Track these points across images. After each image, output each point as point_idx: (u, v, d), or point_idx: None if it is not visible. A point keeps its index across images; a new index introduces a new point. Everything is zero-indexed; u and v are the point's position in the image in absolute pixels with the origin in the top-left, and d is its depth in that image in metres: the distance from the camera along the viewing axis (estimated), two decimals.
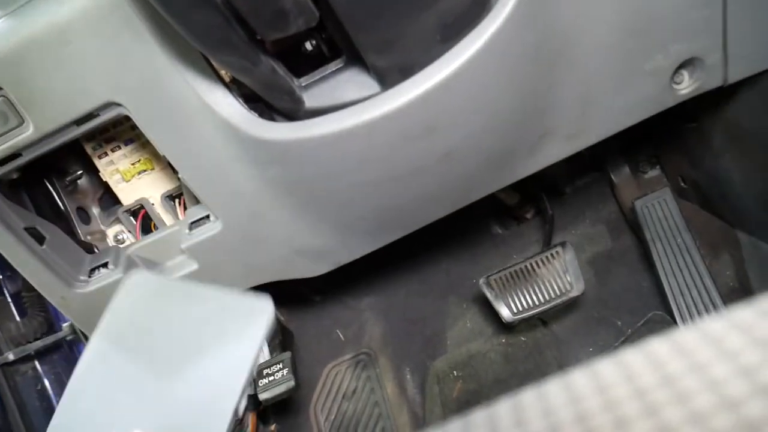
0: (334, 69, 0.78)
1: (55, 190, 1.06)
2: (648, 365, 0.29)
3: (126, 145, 1.03)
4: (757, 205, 1.09)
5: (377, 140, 0.77)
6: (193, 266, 0.95)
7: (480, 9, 0.73)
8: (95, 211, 1.12)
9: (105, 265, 0.96)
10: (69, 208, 1.07)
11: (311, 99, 0.79)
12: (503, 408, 0.31)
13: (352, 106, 0.75)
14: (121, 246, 1.03)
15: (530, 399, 0.31)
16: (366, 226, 0.93)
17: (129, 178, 1.05)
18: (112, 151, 1.03)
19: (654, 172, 1.43)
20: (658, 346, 0.31)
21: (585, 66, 0.84)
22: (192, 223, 0.93)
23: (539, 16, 0.76)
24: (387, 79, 0.77)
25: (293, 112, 0.80)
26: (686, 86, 0.90)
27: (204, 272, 0.96)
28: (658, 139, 1.34)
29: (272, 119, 0.81)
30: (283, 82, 0.74)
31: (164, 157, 0.87)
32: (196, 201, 0.94)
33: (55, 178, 1.06)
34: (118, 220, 1.10)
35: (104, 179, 1.05)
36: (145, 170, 1.05)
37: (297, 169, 0.81)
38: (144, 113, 0.80)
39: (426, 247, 1.49)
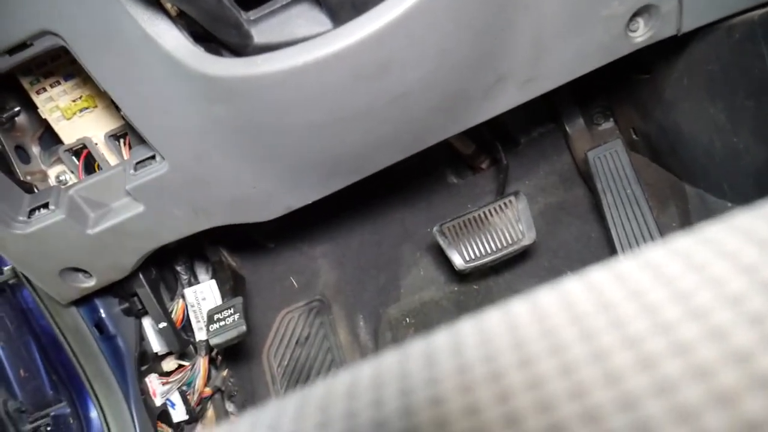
0: (284, 3, 0.75)
1: None
2: (586, 292, 0.29)
3: (66, 80, 0.98)
4: (704, 158, 1.11)
5: (328, 79, 0.75)
6: (139, 208, 0.92)
7: None
8: (35, 150, 1.07)
9: (46, 205, 0.92)
10: (6, 147, 1.02)
11: (260, 34, 0.76)
12: (441, 337, 0.31)
13: (302, 43, 0.73)
14: (63, 186, 0.99)
15: (468, 328, 0.31)
16: (316, 169, 0.92)
17: (70, 116, 1.00)
18: (51, 86, 0.98)
19: (608, 125, 1.44)
20: (596, 274, 0.31)
21: (539, 8, 0.83)
22: (137, 163, 0.90)
23: None
24: (339, 15, 0.75)
25: (241, 48, 0.77)
26: (641, 34, 0.90)
27: (150, 214, 0.93)
28: (612, 91, 1.35)
29: (220, 55, 0.78)
30: (230, 14, 0.71)
31: (106, 93, 0.83)
32: (142, 140, 0.90)
33: None
34: (59, 160, 1.06)
35: (43, 117, 1.00)
36: (87, 108, 1.00)
37: (243, 108, 0.78)
38: (82, 44, 0.76)
39: (381, 195, 1.49)
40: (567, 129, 1.41)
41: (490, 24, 0.79)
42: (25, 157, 1.06)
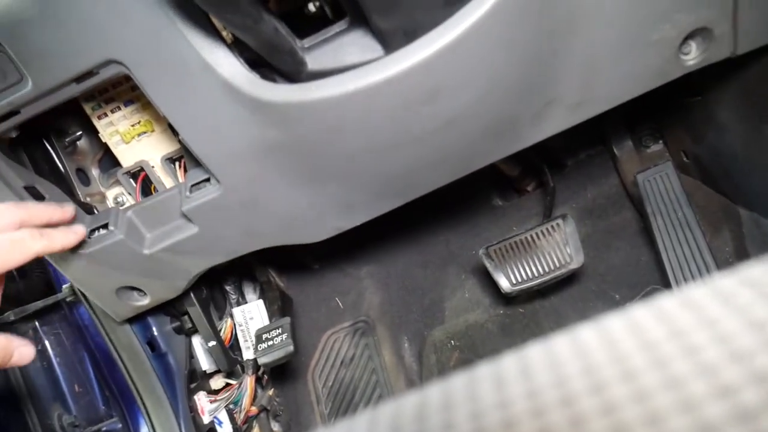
0: (337, 31, 0.77)
1: (54, 151, 1.06)
2: (657, 320, 0.29)
3: (126, 106, 1.02)
4: (760, 181, 1.08)
5: (379, 105, 0.76)
6: (193, 230, 0.95)
7: None
8: (95, 172, 1.12)
9: (105, 226, 0.96)
10: (68, 169, 1.06)
11: (314, 61, 0.78)
12: (509, 361, 0.31)
13: (354, 69, 0.74)
14: (121, 208, 1.03)
15: (536, 353, 0.31)
16: (366, 192, 0.93)
17: (129, 140, 1.04)
18: (112, 111, 1.02)
19: (656, 147, 1.42)
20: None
21: (591, 33, 0.83)
22: (192, 185, 0.93)
23: None
24: (391, 43, 0.76)
25: (295, 74, 0.79)
26: (694, 57, 0.89)
27: (203, 236, 0.96)
28: (662, 113, 1.33)
29: (274, 82, 0.80)
30: (285, 43, 0.74)
31: (164, 118, 0.86)
32: (197, 163, 0.93)
33: (54, 139, 1.05)
34: (117, 182, 1.10)
35: (103, 140, 1.04)
36: (144, 132, 1.04)
37: (297, 133, 0.80)
38: (144, 72, 0.79)
39: (426, 217, 1.49)
40: (615, 151, 1.39)
41: (539, 50, 0.80)
42: (85, 179, 1.10)
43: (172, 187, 0.99)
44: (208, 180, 0.92)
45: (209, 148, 0.85)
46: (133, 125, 1.03)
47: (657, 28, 0.83)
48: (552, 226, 1.22)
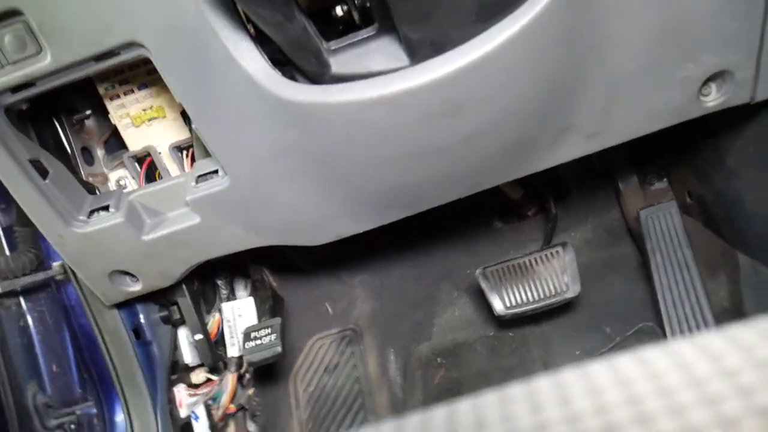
0: (364, 36, 0.76)
1: (61, 127, 1.04)
2: (643, 374, 0.28)
3: (139, 89, 1.01)
4: (763, 229, 1.09)
5: (401, 114, 0.76)
6: (195, 220, 0.94)
7: None
8: (99, 152, 1.10)
9: (106, 207, 0.94)
10: (74, 147, 1.05)
11: (338, 64, 0.77)
12: (490, 399, 0.30)
13: (379, 76, 0.74)
14: (123, 191, 1.02)
15: (519, 394, 0.30)
16: (375, 200, 0.92)
17: (139, 124, 1.03)
18: (125, 94, 1.01)
19: (660, 185, 1.42)
20: (654, 355, 0.30)
21: (616, 64, 0.83)
22: (199, 176, 0.92)
23: (576, 8, 0.75)
24: (417, 53, 0.76)
25: (318, 75, 0.78)
26: (713, 99, 0.89)
27: (204, 227, 0.94)
28: (669, 151, 1.34)
29: (294, 80, 0.80)
30: (313, 43, 0.73)
31: (180, 106, 0.85)
32: (206, 154, 0.92)
33: (63, 115, 1.04)
34: (121, 165, 1.09)
35: (113, 122, 1.03)
36: (155, 117, 1.03)
37: (315, 134, 0.80)
38: (166, 57, 0.78)
39: (426, 232, 1.49)
40: (619, 185, 1.39)
41: (564, 75, 0.80)
42: (89, 158, 1.09)
43: (178, 176, 0.98)
44: (216, 172, 0.91)
45: (223, 141, 0.84)
46: (144, 110, 1.02)
47: (682, 66, 0.84)
48: (551, 253, 1.22)
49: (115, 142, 1.11)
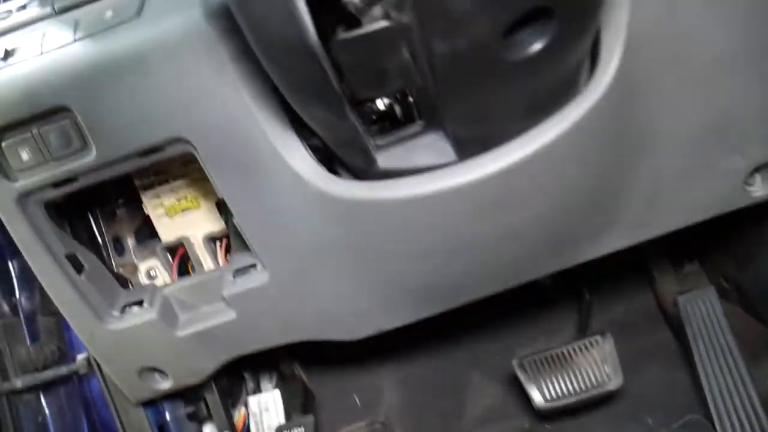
0: (413, 132, 0.76)
1: (94, 219, 1.04)
2: None
3: (175, 180, 1.01)
4: None
5: (447, 210, 0.74)
6: (231, 315, 0.91)
7: (569, 91, 0.72)
8: (131, 242, 1.09)
9: (139, 302, 0.92)
10: (106, 238, 1.04)
11: (384, 160, 0.77)
12: None
13: (427, 173, 0.73)
14: (154, 282, 1.00)
15: None
16: (415, 295, 0.90)
17: (172, 215, 1.02)
18: (159, 184, 1.01)
19: (692, 267, 1.40)
20: None
21: (660, 157, 0.82)
22: (236, 270, 0.90)
23: (625, 106, 0.75)
24: (465, 149, 0.75)
25: (364, 171, 0.77)
26: (758, 189, 0.88)
27: (240, 323, 0.92)
28: (705, 235, 1.32)
29: (335, 173, 0.79)
30: (362, 141, 0.73)
31: (215, 196, 0.84)
32: (244, 247, 0.90)
33: (96, 207, 1.03)
34: (152, 255, 1.07)
35: (147, 212, 1.02)
36: (189, 208, 1.02)
37: (359, 230, 0.78)
38: (211, 153, 0.78)
39: (453, 318, 1.45)
40: (652, 270, 1.37)
41: (612, 169, 0.79)
42: (120, 248, 1.07)
43: (215, 269, 0.96)
44: (254, 266, 0.89)
45: (264, 236, 0.83)
46: (179, 200, 1.02)
47: (727, 158, 0.83)
48: (590, 342, 1.18)
49: (146, 231, 1.09)
